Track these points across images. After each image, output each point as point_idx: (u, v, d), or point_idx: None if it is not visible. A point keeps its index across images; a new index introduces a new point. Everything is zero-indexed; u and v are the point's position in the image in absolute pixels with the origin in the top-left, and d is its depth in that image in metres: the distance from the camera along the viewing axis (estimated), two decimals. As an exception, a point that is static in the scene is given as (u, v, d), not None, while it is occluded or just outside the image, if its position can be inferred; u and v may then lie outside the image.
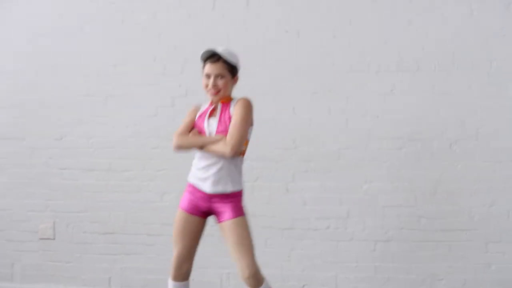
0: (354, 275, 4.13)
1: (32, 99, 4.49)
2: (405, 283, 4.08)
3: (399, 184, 4.09)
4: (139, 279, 4.36)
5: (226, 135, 2.95)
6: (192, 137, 3.05)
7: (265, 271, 4.10)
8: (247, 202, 4.14)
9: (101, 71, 4.44)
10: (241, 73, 4.15)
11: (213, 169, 2.99)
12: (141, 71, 4.39)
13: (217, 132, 2.99)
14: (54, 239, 4.47)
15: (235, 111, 2.97)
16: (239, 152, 2.94)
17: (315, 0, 4.21)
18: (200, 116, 3.10)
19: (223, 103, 3.06)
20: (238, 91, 4.07)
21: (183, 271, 3.12)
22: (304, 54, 4.19)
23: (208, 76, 3.01)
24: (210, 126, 3.03)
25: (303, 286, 4.19)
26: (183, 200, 3.09)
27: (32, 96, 4.49)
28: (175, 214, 4.17)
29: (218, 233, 4.07)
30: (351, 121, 4.16)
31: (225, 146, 2.90)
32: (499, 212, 4.02)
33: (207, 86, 3.02)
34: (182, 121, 3.16)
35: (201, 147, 3.00)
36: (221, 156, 2.94)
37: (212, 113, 3.06)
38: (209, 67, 3.01)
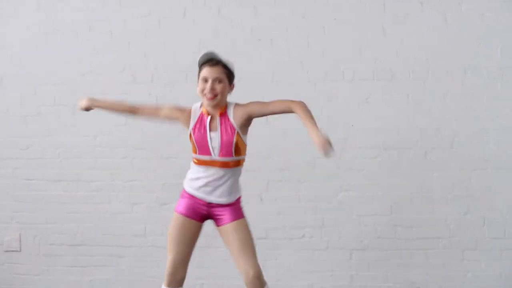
0: (330, 284, 4.17)
1: (-3, 108, 4.44)
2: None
3: (374, 193, 4.15)
4: (110, 292, 4.34)
5: (231, 146, 2.94)
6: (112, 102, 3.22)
7: (238, 282, 4.13)
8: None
9: (69, 80, 4.41)
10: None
11: (217, 183, 2.98)
12: (110, 80, 4.37)
13: (221, 144, 2.94)
14: (20, 251, 4.43)
15: (245, 109, 2.96)
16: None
17: (289, 8, 4.24)
18: (196, 125, 3.00)
19: (221, 114, 2.98)
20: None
21: (178, 278, 3.05)
22: (278, 63, 4.23)
23: (205, 80, 2.94)
24: (213, 141, 2.95)
25: (279, 296, 4.21)
26: (180, 204, 3.04)
27: (-3, 105, 4.44)
28: (146, 225, 4.22)
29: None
30: (325, 130, 4.18)
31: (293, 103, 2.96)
32: (474, 220, 4.10)
33: (203, 90, 2.94)
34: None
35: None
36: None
37: (211, 127, 2.97)
38: (207, 71, 2.94)
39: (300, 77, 4.21)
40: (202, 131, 2.97)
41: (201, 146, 2.96)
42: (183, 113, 3.03)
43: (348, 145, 4.16)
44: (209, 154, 2.96)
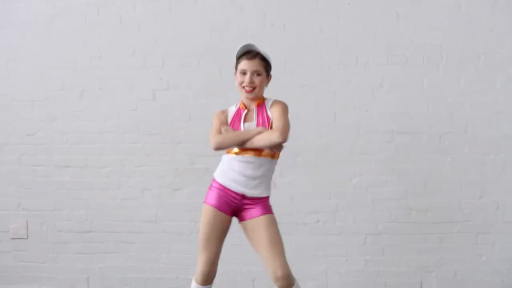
0: (345, 269, 4.25)
1: (4, 93, 4.47)
2: (396, 275, 4.23)
3: (388, 177, 4.25)
4: (120, 278, 4.39)
5: None
6: (231, 134, 2.98)
7: (253, 268, 4.23)
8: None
9: (77, 64, 4.46)
10: (224, 67, 4.28)
11: (255, 173, 3.00)
12: (119, 64, 4.43)
13: None
14: (27, 238, 4.45)
15: (274, 109, 3.00)
16: (287, 138, 2.95)
17: (302, -8, 4.33)
18: (233, 120, 3.07)
19: (258, 105, 3.05)
20: (226, 86, 4.19)
21: (211, 275, 3.07)
22: (291, 48, 4.32)
23: (243, 72, 3.01)
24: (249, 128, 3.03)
25: (293, 282, 4.27)
26: (211, 196, 3.03)
27: (4, 90, 4.47)
28: (157, 211, 4.28)
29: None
30: (339, 115, 4.30)
31: (272, 134, 2.88)
32: (488, 204, 4.22)
33: (241, 83, 3.02)
34: (212, 124, 3.10)
35: (243, 143, 2.95)
36: (270, 145, 2.92)
37: (246, 118, 3.04)
38: (245, 64, 3.00)
39: (313, 62, 4.30)
40: (237, 121, 3.05)
41: None
42: (223, 115, 3.12)
43: (362, 130, 4.26)
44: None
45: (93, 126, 4.43)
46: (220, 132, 3.01)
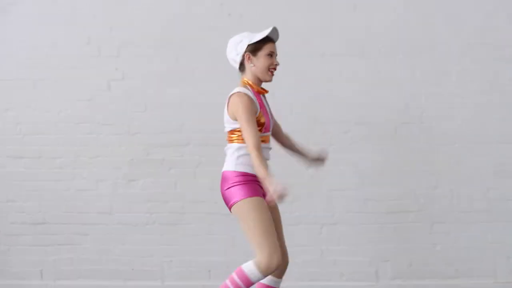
0: (301, 259, 4.32)
1: (-46, 81, 4.43)
2: (352, 265, 4.32)
3: (345, 167, 4.33)
4: (74, 270, 4.41)
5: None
6: (259, 163, 2.80)
7: (209, 259, 4.28)
8: (189, 188, 4.29)
9: (30, 53, 4.43)
10: (181, 57, 4.32)
11: (268, 157, 3.06)
12: (74, 54, 4.42)
13: (272, 119, 3.13)
14: (-22, 231, 4.43)
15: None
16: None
17: (259, -18, 4.38)
18: (263, 109, 3.00)
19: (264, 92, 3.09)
20: (182, 76, 4.22)
21: (281, 265, 3.03)
22: (248, 37, 4.35)
23: (271, 55, 2.99)
24: (271, 119, 3.10)
25: (249, 273, 4.33)
26: (253, 188, 2.91)
27: (-46, 79, 4.43)
28: (111, 202, 4.29)
29: (159, 220, 4.21)
30: (296, 105, 4.36)
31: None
32: (443, 194, 4.34)
33: (270, 65, 2.99)
34: (246, 117, 2.85)
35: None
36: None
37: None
38: (273, 46, 3.00)
39: (270, 52, 4.33)
40: (266, 110, 3.04)
41: (268, 125, 3.01)
42: (254, 104, 2.94)
43: (319, 120, 4.33)
44: (269, 130, 3.06)
45: (47, 116, 4.42)
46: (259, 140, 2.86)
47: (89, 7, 4.42)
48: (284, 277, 4.03)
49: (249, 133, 2.82)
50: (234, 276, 2.91)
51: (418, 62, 4.34)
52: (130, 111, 4.40)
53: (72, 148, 4.42)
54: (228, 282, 2.92)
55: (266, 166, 2.78)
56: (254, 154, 2.79)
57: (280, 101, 4.30)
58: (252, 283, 2.91)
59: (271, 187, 2.69)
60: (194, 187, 4.36)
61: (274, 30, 3.00)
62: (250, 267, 2.87)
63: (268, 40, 3.00)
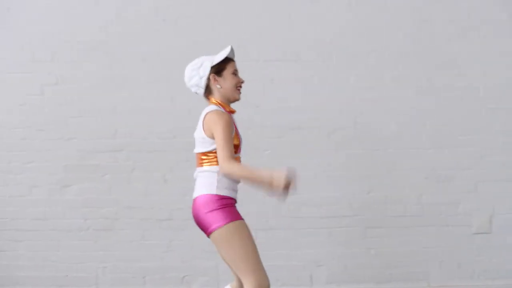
0: (235, 265, 4.38)
1: None
2: (286, 269, 4.42)
3: (279, 172, 4.39)
4: (7, 277, 4.42)
5: None
6: (247, 171, 2.77)
7: (143, 264, 4.34)
8: (123, 194, 4.34)
9: (-39, 57, 4.44)
10: (116, 63, 4.37)
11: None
12: (7, 58, 4.44)
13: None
14: None
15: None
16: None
17: (194, -12, 4.43)
18: (236, 129, 2.96)
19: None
20: (117, 81, 4.26)
21: None
22: (183, 43, 4.41)
23: (235, 73, 2.98)
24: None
25: (184, 277, 4.42)
26: (234, 212, 2.87)
27: None
28: (46, 208, 4.32)
29: (93, 226, 4.25)
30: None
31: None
32: (377, 198, 4.45)
33: (238, 83, 2.98)
34: (225, 135, 2.78)
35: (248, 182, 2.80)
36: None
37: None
38: (234, 64, 3.00)
39: (205, 57, 4.39)
40: (238, 130, 2.99)
41: (240, 146, 2.96)
42: (232, 123, 2.88)
43: (254, 125, 4.40)
44: (240, 151, 2.98)
45: (-20, 121, 4.43)
46: (233, 152, 2.80)
47: (23, 12, 4.44)
48: (217, 282, 4.13)
49: (226, 151, 2.76)
50: None
51: (353, 68, 4.43)
52: (64, 116, 4.43)
53: (6, 154, 4.45)
54: None
55: (255, 169, 2.75)
56: (236, 168, 2.74)
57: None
58: None
59: (273, 178, 2.65)
60: (129, 192, 4.42)
61: (231, 50, 2.97)
62: None
63: (229, 59, 2.99)
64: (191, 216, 4.35)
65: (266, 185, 2.70)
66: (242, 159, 2.97)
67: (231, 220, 2.80)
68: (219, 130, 2.79)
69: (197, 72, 2.99)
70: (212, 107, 2.91)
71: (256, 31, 4.41)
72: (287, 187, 2.64)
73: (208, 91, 3.01)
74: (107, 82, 4.40)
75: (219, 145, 2.78)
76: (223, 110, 2.91)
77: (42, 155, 4.42)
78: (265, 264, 4.37)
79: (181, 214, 4.40)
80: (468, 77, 4.46)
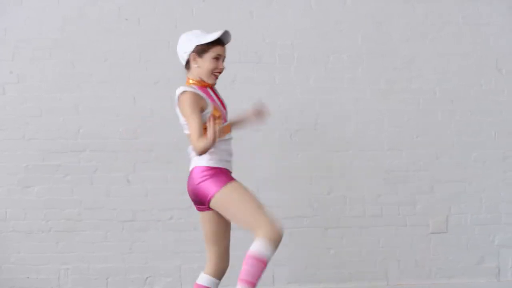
0: (198, 264, 4.57)
1: None
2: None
3: (239, 173, 4.57)
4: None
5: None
6: (208, 140, 2.96)
7: (106, 265, 4.53)
8: (86, 195, 4.52)
9: None
10: (78, 62, 4.57)
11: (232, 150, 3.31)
12: (-35, 57, 4.59)
13: (225, 108, 3.38)
14: None
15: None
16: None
17: (157, -13, 4.68)
18: (213, 101, 3.24)
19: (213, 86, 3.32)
20: (79, 79, 4.46)
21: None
22: (145, 43, 4.65)
23: (217, 58, 3.21)
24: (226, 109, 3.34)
25: (147, 278, 4.64)
26: (226, 176, 3.19)
27: None
28: (6, 209, 4.52)
29: (55, 227, 4.42)
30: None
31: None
32: (336, 199, 4.76)
33: (215, 69, 3.23)
34: (190, 115, 3.07)
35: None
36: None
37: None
38: (221, 49, 3.22)
39: (167, 57, 4.59)
40: (216, 103, 3.27)
41: (224, 115, 3.27)
42: (201, 100, 3.17)
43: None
44: (226, 120, 3.30)
45: None
46: (202, 131, 3.03)
47: (-18, 9, 4.59)
48: (180, 283, 4.35)
49: (192, 127, 3.01)
50: (247, 267, 3.05)
51: (313, 69, 4.74)
52: (25, 116, 4.59)
53: (-34, 154, 4.58)
54: (243, 279, 3.06)
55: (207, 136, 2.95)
56: (199, 144, 2.97)
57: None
58: (268, 261, 3.09)
59: (210, 134, 2.92)
60: (91, 193, 4.61)
61: (226, 33, 3.20)
62: (258, 247, 3.04)
63: (218, 42, 3.19)
64: (154, 217, 4.67)
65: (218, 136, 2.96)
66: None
67: (224, 184, 3.09)
68: (184, 112, 3.10)
69: (184, 45, 3.23)
70: (181, 88, 3.18)
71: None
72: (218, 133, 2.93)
73: (187, 66, 3.28)
74: (69, 81, 4.59)
75: (187, 121, 3.09)
76: (193, 89, 3.16)
77: (2, 155, 4.58)
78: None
79: (144, 215, 4.63)
80: (425, 79, 4.81)
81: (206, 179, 3.13)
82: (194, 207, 4.42)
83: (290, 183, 4.69)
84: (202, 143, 2.96)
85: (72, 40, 4.61)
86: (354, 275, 4.77)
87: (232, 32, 4.60)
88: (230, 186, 3.12)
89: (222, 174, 3.15)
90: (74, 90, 4.61)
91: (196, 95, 3.11)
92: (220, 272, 3.42)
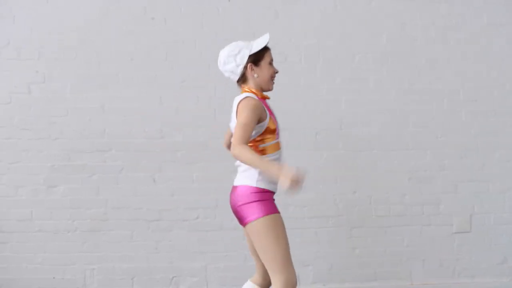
0: (224, 264, 4.77)
1: None
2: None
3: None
4: (-8, 279, 4.68)
5: None
6: (257, 160, 2.87)
7: (132, 265, 4.65)
8: (111, 194, 4.64)
9: None
10: (104, 61, 4.69)
11: None
12: (-8, 55, 4.73)
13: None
14: None
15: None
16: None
17: (183, -13, 4.82)
18: (271, 114, 3.21)
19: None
20: (104, 79, 4.58)
21: None
22: (171, 43, 4.80)
23: (271, 63, 3.26)
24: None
25: (172, 278, 4.75)
26: (271, 205, 3.13)
27: None
28: (32, 209, 4.60)
29: (81, 227, 4.53)
30: (219, 111, 4.80)
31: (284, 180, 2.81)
32: (362, 199, 4.90)
33: (273, 73, 3.27)
34: (246, 120, 2.98)
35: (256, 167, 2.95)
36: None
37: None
38: (270, 53, 3.26)
39: (193, 58, 4.79)
40: (274, 116, 3.24)
41: (278, 130, 3.21)
42: (263, 112, 3.11)
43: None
44: (279, 136, 3.24)
45: (-37, 120, 4.69)
46: (248, 140, 2.96)
47: (9, 8, 4.73)
48: (206, 282, 4.49)
49: (241, 133, 2.92)
50: None
51: (338, 70, 4.89)
52: (50, 115, 4.73)
53: (-10, 154, 4.69)
54: None
55: (264, 161, 2.87)
56: (246, 152, 2.86)
57: (203, 106, 4.73)
58: None
59: (282, 172, 2.77)
60: (117, 193, 4.73)
61: (267, 37, 3.19)
62: None
63: (266, 47, 3.22)
64: (179, 217, 4.80)
65: (274, 178, 2.91)
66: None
67: (267, 214, 3.05)
68: (243, 114, 2.99)
69: (233, 59, 3.19)
70: (244, 94, 3.14)
71: (243, 32, 4.80)
72: (294, 185, 2.77)
73: (243, 79, 3.26)
74: (95, 81, 4.72)
75: (237, 126, 2.96)
76: (255, 97, 3.12)
77: (28, 154, 4.71)
78: (251, 264, 4.80)
79: (170, 215, 4.76)
80: (448, 80, 4.98)
81: (251, 202, 3.09)
82: (219, 207, 4.63)
83: (316, 183, 4.82)
84: (247, 152, 2.87)
85: (98, 40, 4.76)
86: (378, 274, 4.92)
87: (257, 32, 4.82)
88: (271, 219, 3.07)
89: (268, 202, 3.11)
90: (100, 89, 4.74)
91: (260, 105, 3.08)
92: (265, 284, 3.40)
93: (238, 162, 3.19)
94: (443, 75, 4.97)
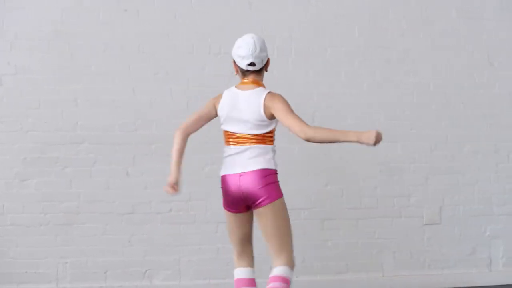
0: (198, 257, 5.01)
1: None
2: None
3: (240, 166, 5.01)
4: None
5: None
6: (331, 133, 3.45)
7: (105, 258, 4.82)
8: (84, 187, 4.80)
9: None
10: (76, 53, 4.84)
11: None
12: (-37, 48, 4.87)
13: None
14: None
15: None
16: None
17: (156, -21, 5.03)
18: None
19: None
20: (78, 71, 4.74)
21: None
22: (144, 34, 5.00)
23: None
24: None
25: (146, 271, 4.97)
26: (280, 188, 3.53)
27: None
28: (4, 202, 4.79)
29: (53, 221, 4.68)
30: (192, 103, 4.99)
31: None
32: (333, 191, 5.18)
33: None
34: (290, 106, 3.52)
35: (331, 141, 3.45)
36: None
37: None
38: None
39: (166, 49, 5.00)
40: None
41: None
42: None
43: (215, 119, 4.96)
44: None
45: None
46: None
47: (-21, 0, 4.88)
48: (179, 275, 4.70)
49: (300, 118, 3.41)
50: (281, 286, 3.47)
51: (310, 63, 5.16)
52: (23, 108, 4.87)
53: (-41, 148, 4.85)
54: None
55: (337, 131, 3.43)
56: (319, 130, 3.42)
57: (177, 98, 4.94)
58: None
59: (362, 133, 3.30)
60: (90, 186, 4.92)
61: None
62: (289, 272, 3.58)
63: None
64: (153, 210, 4.98)
65: (353, 142, 3.32)
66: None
67: (282, 195, 3.50)
68: (286, 103, 3.46)
69: (266, 49, 3.53)
70: (264, 89, 3.54)
71: (216, 24, 5.05)
72: (379, 138, 3.28)
73: (260, 71, 3.58)
74: (67, 73, 4.90)
75: (290, 114, 3.41)
76: None
77: (-1, 148, 4.84)
78: (224, 256, 5.01)
79: (143, 208, 4.97)
80: (419, 72, 5.30)
81: (273, 183, 3.47)
82: (192, 200, 4.82)
83: (288, 176, 4.98)
84: (319, 130, 3.42)
85: (71, 32, 4.92)
86: (350, 267, 5.20)
87: (230, 24, 5.05)
88: (283, 200, 3.55)
89: (278, 183, 3.53)
90: (73, 82, 4.91)
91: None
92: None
93: (251, 147, 3.51)
94: (414, 68, 5.27)
